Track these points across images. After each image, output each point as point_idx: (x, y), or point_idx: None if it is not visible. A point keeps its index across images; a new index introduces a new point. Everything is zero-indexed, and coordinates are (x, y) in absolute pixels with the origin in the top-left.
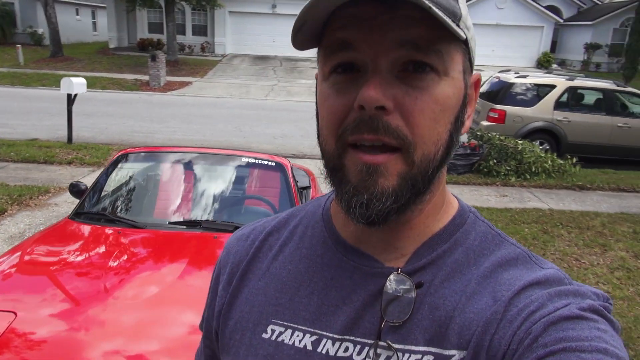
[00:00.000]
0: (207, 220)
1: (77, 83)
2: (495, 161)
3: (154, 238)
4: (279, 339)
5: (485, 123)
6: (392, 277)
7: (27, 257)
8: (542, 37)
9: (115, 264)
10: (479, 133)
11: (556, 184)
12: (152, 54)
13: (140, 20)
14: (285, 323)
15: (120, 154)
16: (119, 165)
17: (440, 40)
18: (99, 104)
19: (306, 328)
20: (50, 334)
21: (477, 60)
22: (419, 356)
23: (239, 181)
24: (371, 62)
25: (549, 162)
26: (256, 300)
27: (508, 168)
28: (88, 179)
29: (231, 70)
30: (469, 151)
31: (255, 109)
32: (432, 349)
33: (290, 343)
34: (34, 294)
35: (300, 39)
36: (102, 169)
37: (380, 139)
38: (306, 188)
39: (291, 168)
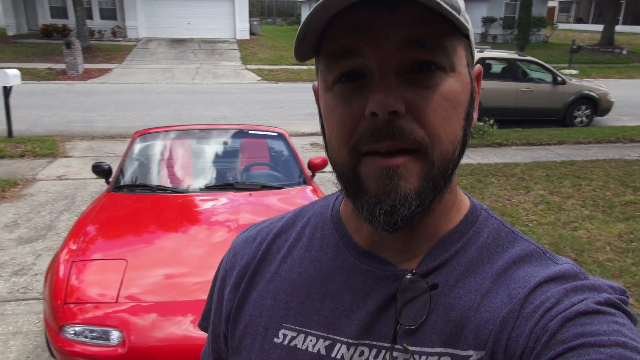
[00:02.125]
0: (238, 182)
1: (12, 75)
2: None
3: (200, 199)
4: (292, 344)
5: None
6: (406, 279)
7: (104, 224)
8: None
9: (179, 218)
10: None
11: (479, 143)
12: (67, 40)
13: (40, 4)
14: (297, 327)
15: (137, 134)
16: (139, 145)
17: (445, 36)
18: (18, 96)
19: (319, 333)
20: (154, 272)
21: None
22: (436, 358)
23: (251, 149)
24: (377, 66)
25: None
26: (266, 303)
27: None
28: (49, 169)
29: (149, 55)
30: None
31: (185, 93)
32: (449, 350)
33: (304, 348)
34: (130, 246)
35: (302, 51)
36: (58, 160)
37: (397, 145)
38: None
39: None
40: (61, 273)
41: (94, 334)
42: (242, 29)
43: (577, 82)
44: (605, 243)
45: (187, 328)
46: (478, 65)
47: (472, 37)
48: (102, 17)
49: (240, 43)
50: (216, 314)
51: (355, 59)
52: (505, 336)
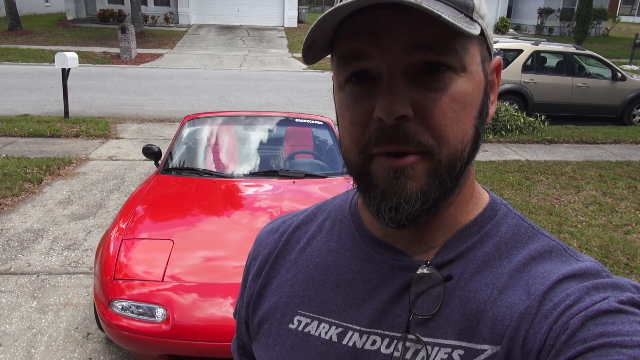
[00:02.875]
0: (282, 169)
1: (71, 57)
2: None
3: (245, 184)
4: (305, 330)
5: None
6: (420, 270)
7: (153, 205)
8: (499, 3)
9: (223, 202)
10: None
11: (528, 139)
12: (122, 25)
13: None
14: (311, 314)
15: (187, 119)
16: (188, 129)
17: (455, 38)
18: (75, 78)
19: (332, 320)
20: (198, 253)
21: None
22: (449, 350)
23: (296, 137)
24: (385, 70)
25: (521, 120)
26: (283, 291)
27: (486, 126)
28: (101, 150)
29: (199, 41)
30: None
31: (232, 79)
32: (463, 343)
33: (316, 334)
34: (177, 227)
35: (311, 55)
36: (109, 141)
37: (402, 149)
38: None
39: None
40: (111, 250)
41: (140, 309)
42: (291, 17)
43: (639, 78)
44: None
45: (227, 310)
46: (497, 57)
47: (488, 32)
48: (156, 3)
49: (288, 31)
50: (240, 301)
51: (365, 62)
52: (523, 332)
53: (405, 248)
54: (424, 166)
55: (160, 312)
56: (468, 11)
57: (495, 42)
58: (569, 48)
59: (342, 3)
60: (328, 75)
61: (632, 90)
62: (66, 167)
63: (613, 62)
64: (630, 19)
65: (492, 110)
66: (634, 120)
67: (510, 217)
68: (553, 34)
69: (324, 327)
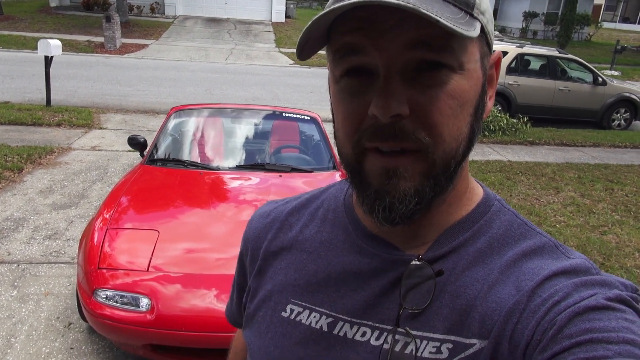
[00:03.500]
0: (268, 163)
1: (54, 45)
2: None
3: (231, 177)
4: (297, 319)
5: None
6: (412, 264)
7: (138, 195)
8: None
9: (209, 194)
10: None
11: (510, 140)
12: (107, 14)
13: None
14: (303, 303)
15: (174, 110)
16: (174, 120)
17: (454, 37)
18: (57, 66)
19: (323, 310)
20: (184, 245)
21: None
22: (438, 344)
23: (282, 131)
24: (382, 67)
25: (504, 121)
26: (277, 279)
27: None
28: (84, 140)
29: (185, 33)
30: None
31: (219, 73)
32: (452, 337)
33: (307, 323)
34: (162, 218)
35: (306, 53)
36: (92, 131)
37: (399, 145)
38: None
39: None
40: (96, 239)
41: (124, 299)
42: (279, 12)
43: (619, 83)
44: (634, 249)
45: (211, 301)
46: (497, 52)
47: (488, 28)
48: None
49: (276, 25)
50: (241, 276)
51: (362, 57)
52: (511, 327)
53: (398, 242)
54: (418, 166)
55: (144, 301)
56: (469, 8)
57: None
58: (553, 52)
59: (341, 4)
60: (315, 71)
61: (612, 95)
62: (48, 156)
63: (594, 67)
64: (612, 25)
65: (489, 104)
66: (613, 124)
67: (503, 213)
68: (537, 38)
69: (314, 317)
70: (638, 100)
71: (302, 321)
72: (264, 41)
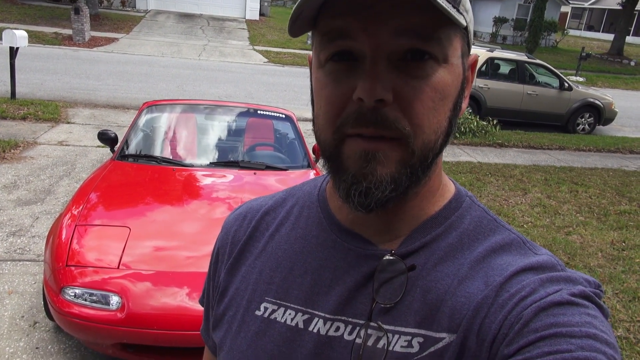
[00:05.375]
0: (242, 160)
1: (20, 36)
2: None
3: (205, 174)
4: (272, 317)
5: None
6: (385, 259)
7: (109, 191)
8: None
9: (183, 191)
10: None
11: (480, 142)
12: (76, 6)
13: None
14: (277, 301)
15: (146, 105)
16: (147, 115)
17: (441, 27)
18: (22, 58)
19: (298, 307)
20: (155, 242)
21: None
22: (409, 338)
23: (257, 129)
24: (370, 52)
25: (475, 123)
26: (251, 278)
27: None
28: (50, 134)
29: (157, 28)
30: None
31: (191, 69)
32: (422, 331)
33: (282, 321)
34: (133, 215)
35: (297, 28)
36: (60, 125)
37: (379, 132)
38: None
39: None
40: (64, 236)
41: (94, 297)
42: (252, 9)
43: (583, 89)
44: (597, 249)
45: (183, 299)
46: (474, 54)
47: (470, 27)
48: None
49: (249, 23)
50: (207, 288)
51: (349, 42)
52: (479, 321)
53: (372, 236)
54: (397, 154)
55: (115, 299)
56: (455, 3)
57: None
58: (522, 57)
59: None
60: (288, 69)
61: (577, 100)
62: (12, 151)
63: (561, 73)
64: (577, 32)
65: (464, 105)
66: (578, 128)
67: (473, 209)
68: (507, 42)
69: (289, 314)
70: (601, 105)
71: (277, 319)
72: (237, 38)
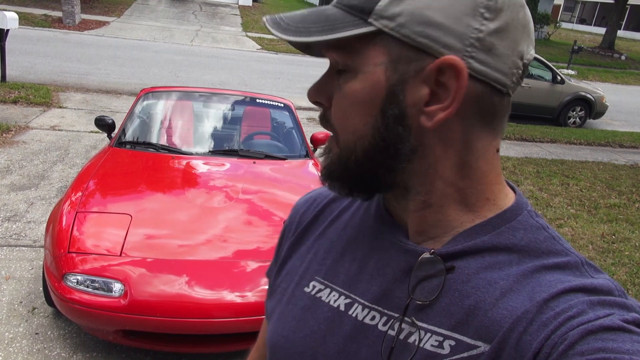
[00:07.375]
0: (242, 149)
1: (10, 17)
2: None
3: (203, 162)
4: (317, 295)
5: None
6: (423, 257)
7: (108, 178)
8: None
9: (183, 179)
10: None
11: None
12: None
13: None
14: (325, 282)
15: (144, 92)
16: (145, 102)
17: (351, 41)
18: (11, 40)
19: (342, 290)
20: (157, 230)
21: None
22: (441, 339)
23: (254, 117)
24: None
25: None
26: (307, 257)
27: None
28: (43, 118)
29: (149, 12)
30: None
31: (184, 55)
32: (456, 335)
33: (327, 301)
34: (134, 202)
35: (314, 52)
36: (52, 110)
37: (329, 130)
38: None
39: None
40: (64, 223)
41: (96, 284)
42: None
43: (575, 82)
44: (588, 242)
45: (185, 287)
46: (447, 57)
47: (409, 30)
48: None
49: (243, 9)
50: (274, 263)
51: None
52: (516, 335)
53: (412, 235)
54: (336, 149)
55: (117, 286)
56: (363, 14)
57: None
58: None
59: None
60: (282, 57)
61: (569, 93)
62: (4, 135)
63: (553, 66)
64: (569, 25)
65: (440, 115)
66: (569, 122)
67: (530, 223)
68: None
69: (334, 296)
70: (592, 99)
71: (322, 298)
72: (230, 24)
